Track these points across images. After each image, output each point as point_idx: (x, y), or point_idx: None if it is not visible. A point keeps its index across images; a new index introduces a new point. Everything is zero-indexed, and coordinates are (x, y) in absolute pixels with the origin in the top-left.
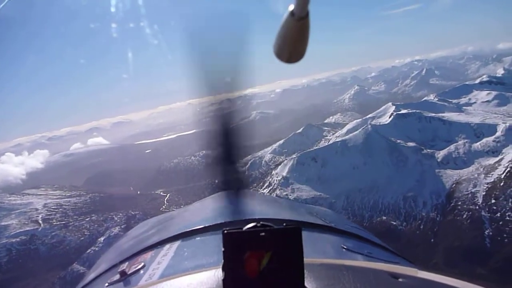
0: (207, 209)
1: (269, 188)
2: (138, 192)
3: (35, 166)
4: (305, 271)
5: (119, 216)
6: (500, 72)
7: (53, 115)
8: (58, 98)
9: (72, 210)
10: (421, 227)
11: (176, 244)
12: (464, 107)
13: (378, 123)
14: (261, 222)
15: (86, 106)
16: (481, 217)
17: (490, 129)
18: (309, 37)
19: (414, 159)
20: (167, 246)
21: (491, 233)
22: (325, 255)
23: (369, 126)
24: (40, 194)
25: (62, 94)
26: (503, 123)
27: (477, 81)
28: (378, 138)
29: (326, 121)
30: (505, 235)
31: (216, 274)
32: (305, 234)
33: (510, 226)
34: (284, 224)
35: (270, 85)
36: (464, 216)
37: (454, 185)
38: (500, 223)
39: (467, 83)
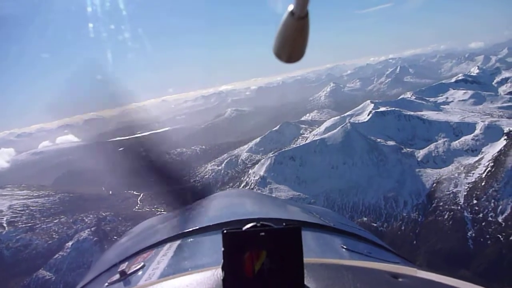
0: (207, 209)
1: (246, 188)
2: (110, 192)
3: (0, 165)
4: (305, 271)
5: (89, 218)
6: (474, 71)
7: (23, 111)
8: (28, 93)
9: (39, 211)
10: (403, 228)
11: (176, 244)
12: (442, 106)
13: (357, 121)
14: (261, 222)
15: (57, 102)
16: (464, 218)
17: (469, 127)
18: (309, 36)
19: (394, 159)
20: (167, 246)
21: (474, 234)
22: (325, 255)
23: (348, 124)
24: (5, 195)
25: (33, 89)
26: (481, 121)
27: (453, 79)
28: (357, 137)
29: (302, 119)
30: (488, 236)
31: (216, 274)
32: (305, 234)
33: (493, 227)
34: (284, 224)
35: (245, 82)
36: (446, 216)
37: (434, 184)
38: (483, 224)
39: (443, 81)
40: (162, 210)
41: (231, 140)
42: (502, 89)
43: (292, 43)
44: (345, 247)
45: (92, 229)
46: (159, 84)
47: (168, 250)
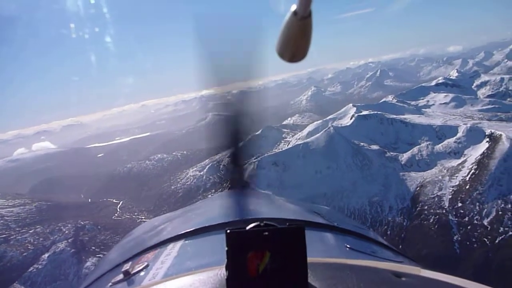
0: (210, 209)
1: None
2: (89, 200)
3: None
4: (308, 270)
5: (67, 227)
6: (454, 74)
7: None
8: (5, 99)
9: (14, 221)
10: (388, 232)
11: (179, 243)
12: (423, 109)
13: (340, 125)
14: (264, 222)
15: (35, 108)
16: (449, 222)
17: (452, 130)
18: (312, 36)
19: (378, 163)
20: (171, 245)
21: (459, 238)
22: (329, 254)
23: (331, 128)
24: None
25: (11, 94)
26: (463, 124)
27: (433, 83)
28: (341, 141)
29: (284, 123)
30: (474, 240)
31: (219, 273)
32: (308, 234)
33: (479, 230)
34: (287, 223)
35: (226, 86)
36: (432, 220)
37: (418, 188)
38: (469, 227)
39: (423, 85)
40: (143, 218)
41: (213, 145)
42: (482, 92)
43: (295, 43)
44: (348, 246)
45: (70, 240)
46: (139, 88)
47: (172, 250)
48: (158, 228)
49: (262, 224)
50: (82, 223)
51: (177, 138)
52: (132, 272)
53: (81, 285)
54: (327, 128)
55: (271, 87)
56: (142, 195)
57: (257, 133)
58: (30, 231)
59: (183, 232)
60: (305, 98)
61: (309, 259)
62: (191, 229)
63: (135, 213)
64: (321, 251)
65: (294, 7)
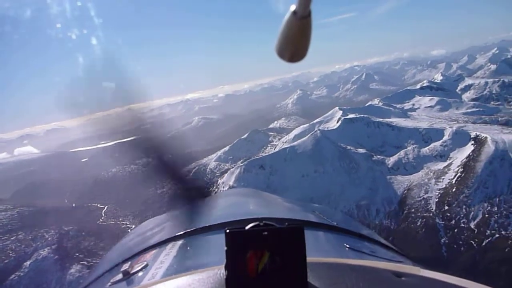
0: (210, 208)
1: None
2: (73, 205)
3: None
4: (308, 270)
5: (50, 234)
6: (438, 77)
7: None
8: None
9: None
10: None
11: (178, 243)
12: (409, 112)
13: (326, 128)
14: (263, 222)
15: (19, 112)
16: (436, 225)
17: (438, 133)
18: (311, 36)
19: (365, 166)
20: (170, 245)
21: (447, 241)
22: (328, 254)
23: (318, 131)
24: None
25: None
26: (449, 127)
27: (418, 86)
28: (328, 144)
29: (271, 126)
30: (461, 243)
31: (219, 273)
32: (307, 233)
33: (465, 233)
34: (287, 223)
35: (212, 90)
36: (419, 223)
37: (405, 191)
38: (456, 230)
39: (408, 88)
40: (128, 223)
41: (199, 149)
42: (466, 96)
43: (294, 43)
44: (348, 246)
45: (53, 246)
46: (123, 92)
47: (171, 249)
48: (157, 227)
49: (261, 223)
50: (65, 229)
51: (163, 142)
52: (131, 272)
53: (80, 285)
54: (313, 132)
55: (257, 91)
56: (127, 200)
57: (243, 137)
58: (12, 238)
59: (182, 231)
60: (291, 102)
61: (309, 259)
62: (191, 229)
63: (120, 218)
64: (320, 251)
65: (293, 7)
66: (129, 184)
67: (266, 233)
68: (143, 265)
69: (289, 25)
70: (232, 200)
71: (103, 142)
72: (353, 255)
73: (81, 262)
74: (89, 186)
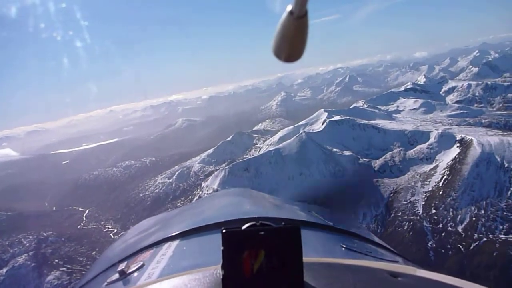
0: (206, 208)
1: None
2: (54, 209)
3: None
4: (304, 270)
5: (28, 239)
6: (421, 80)
7: None
8: None
9: None
10: None
11: (175, 243)
12: (394, 114)
13: (312, 131)
14: (260, 221)
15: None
16: (423, 228)
17: (423, 136)
18: (308, 35)
19: (351, 169)
20: (166, 245)
21: (434, 245)
22: (324, 254)
23: (303, 134)
24: None
25: None
26: (435, 129)
27: (402, 88)
28: (313, 147)
29: (255, 128)
30: (449, 247)
31: (215, 273)
32: (304, 233)
33: (453, 237)
34: (283, 223)
35: (196, 91)
36: (406, 227)
37: (392, 194)
38: (443, 234)
39: (393, 90)
40: (109, 227)
41: (183, 151)
42: (450, 98)
43: (291, 43)
44: (344, 246)
45: (30, 253)
46: (106, 93)
47: (168, 249)
48: (154, 227)
49: (258, 223)
50: (44, 234)
51: (146, 144)
52: (127, 272)
53: (76, 285)
54: (299, 134)
55: (241, 92)
56: (109, 203)
57: (227, 139)
58: None
59: (179, 231)
60: (275, 103)
61: (305, 259)
62: (187, 229)
63: (102, 222)
64: (317, 250)
65: (290, 7)
66: (111, 187)
67: (262, 233)
68: (140, 265)
69: (285, 25)
70: (228, 200)
71: (84, 144)
72: (349, 255)
73: (60, 269)
74: (70, 189)
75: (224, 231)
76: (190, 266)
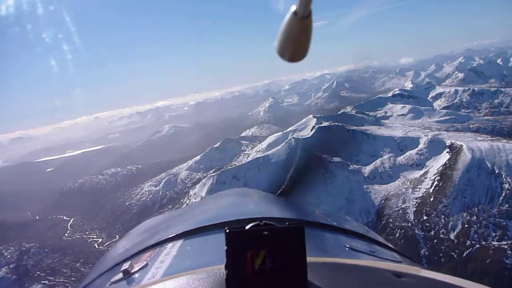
0: (210, 208)
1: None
2: (37, 218)
3: None
4: (308, 270)
5: (10, 251)
6: (408, 85)
7: None
8: None
9: None
10: None
11: (179, 242)
12: (382, 120)
13: (300, 137)
14: (264, 221)
15: None
16: (415, 236)
17: (413, 142)
18: (312, 36)
19: (341, 175)
20: (170, 244)
21: (427, 253)
22: (328, 254)
23: (292, 140)
24: None
25: None
26: (424, 135)
27: (390, 94)
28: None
29: (243, 135)
30: (441, 254)
31: (219, 273)
32: (308, 233)
33: (445, 244)
34: (287, 223)
35: (183, 98)
36: (398, 235)
37: (383, 201)
38: (435, 241)
39: (381, 96)
40: (94, 237)
41: (170, 158)
42: (437, 104)
43: (295, 43)
44: (348, 246)
45: (12, 265)
46: (92, 100)
47: (171, 249)
48: (157, 227)
49: (261, 223)
50: (27, 245)
51: (132, 151)
52: (131, 271)
53: (80, 284)
54: (287, 140)
55: (228, 98)
56: (95, 212)
57: (215, 145)
58: None
59: (182, 231)
60: (263, 110)
61: (309, 259)
62: (191, 228)
63: (87, 232)
64: (320, 250)
65: (294, 7)
66: (97, 195)
67: (266, 232)
68: (143, 264)
69: (289, 25)
70: (232, 200)
71: (69, 151)
72: (353, 255)
73: (42, 282)
74: (55, 198)
75: (228, 231)
76: (194, 266)
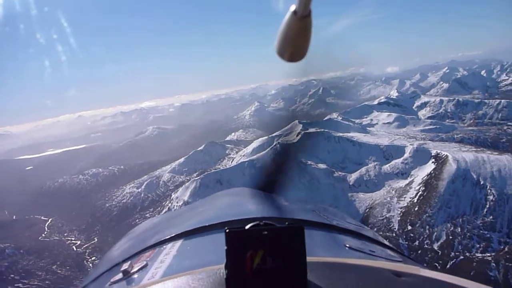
0: (210, 208)
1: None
2: (14, 217)
3: None
4: (308, 269)
5: None
6: (394, 94)
7: None
8: None
9: None
10: None
11: (178, 242)
12: (368, 128)
13: (286, 142)
14: (263, 221)
15: None
16: (400, 245)
17: (399, 150)
18: (311, 35)
19: (326, 183)
20: (170, 244)
21: None
22: (328, 253)
23: (278, 145)
24: None
25: None
26: (410, 144)
27: (376, 102)
28: None
29: (228, 138)
30: (425, 265)
31: (218, 272)
32: (307, 233)
33: (429, 255)
34: (287, 223)
35: (168, 99)
36: None
37: (368, 209)
38: (419, 251)
39: (367, 103)
40: (73, 239)
41: (152, 160)
42: (422, 113)
43: (294, 42)
44: (348, 246)
45: None
46: (75, 99)
47: (171, 249)
48: (157, 227)
49: (261, 223)
50: (1, 246)
51: (114, 152)
52: (131, 271)
53: (80, 284)
54: (273, 145)
55: (214, 101)
56: (74, 213)
57: (199, 148)
58: None
59: (182, 231)
60: (248, 113)
61: (309, 259)
62: (190, 228)
63: (65, 233)
64: (320, 250)
65: (293, 7)
66: (77, 195)
67: (266, 232)
68: (143, 264)
69: (289, 25)
70: (231, 199)
71: (50, 149)
72: (353, 255)
73: (15, 285)
74: (33, 197)
75: (227, 230)
76: (194, 266)
